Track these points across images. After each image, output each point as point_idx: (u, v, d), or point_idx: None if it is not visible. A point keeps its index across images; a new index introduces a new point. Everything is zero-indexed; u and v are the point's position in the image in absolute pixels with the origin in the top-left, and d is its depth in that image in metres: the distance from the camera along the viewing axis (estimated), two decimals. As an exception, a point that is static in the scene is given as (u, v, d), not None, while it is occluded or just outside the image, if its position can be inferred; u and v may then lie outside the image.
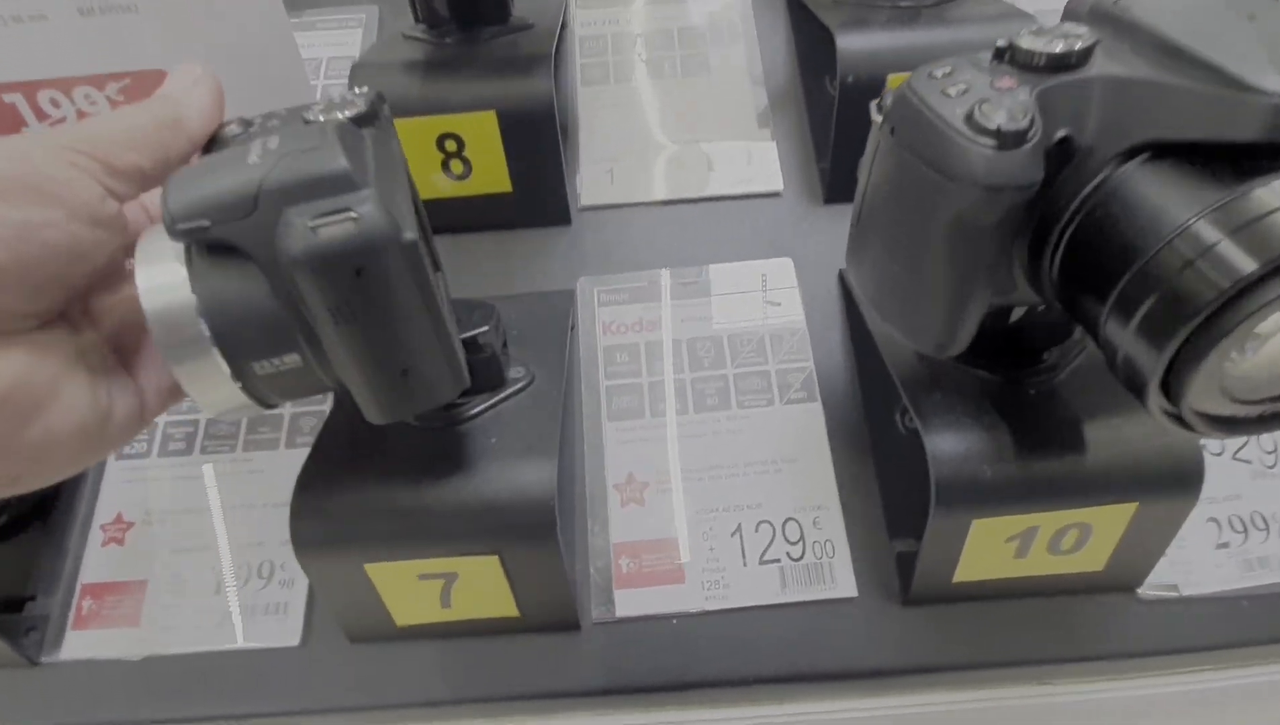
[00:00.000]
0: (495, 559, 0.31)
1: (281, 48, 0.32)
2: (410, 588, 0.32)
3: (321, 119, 0.23)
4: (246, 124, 0.25)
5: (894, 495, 0.37)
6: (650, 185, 0.46)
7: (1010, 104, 0.23)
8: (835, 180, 0.44)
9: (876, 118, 0.27)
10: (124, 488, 0.39)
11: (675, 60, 0.50)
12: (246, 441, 0.40)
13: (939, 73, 0.25)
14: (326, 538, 0.30)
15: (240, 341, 0.22)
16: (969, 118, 0.23)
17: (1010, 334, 0.33)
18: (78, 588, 0.37)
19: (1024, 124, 0.22)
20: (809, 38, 0.49)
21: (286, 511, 0.38)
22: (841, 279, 0.42)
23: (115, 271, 0.24)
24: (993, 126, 0.22)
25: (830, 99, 0.48)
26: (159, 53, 0.32)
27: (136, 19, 0.31)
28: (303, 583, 0.36)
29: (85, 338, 0.23)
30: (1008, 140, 0.22)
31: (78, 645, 0.36)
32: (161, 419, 0.41)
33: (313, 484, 0.31)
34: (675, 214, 0.45)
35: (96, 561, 0.37)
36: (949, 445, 0.30)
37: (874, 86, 0.40)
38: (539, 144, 0.41)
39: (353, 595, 0.32)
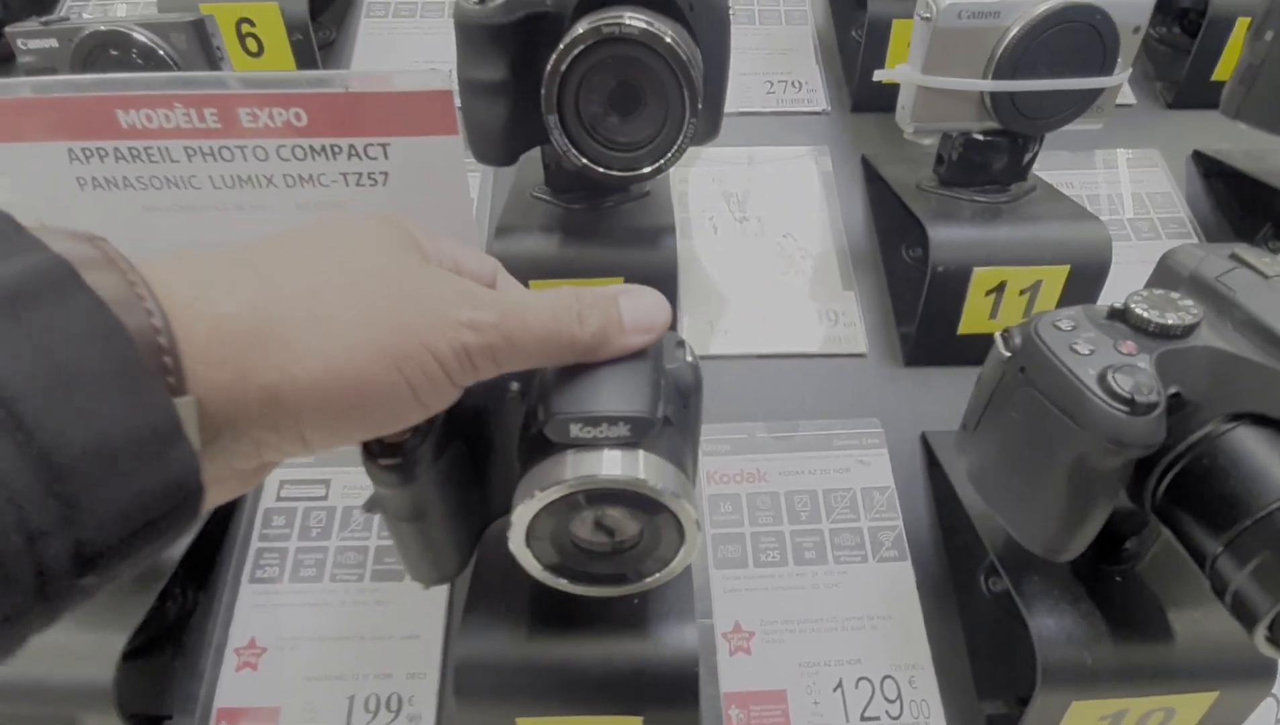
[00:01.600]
0: (638, 721, 0.33)
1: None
2: None
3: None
4: None
5: (981, 656, 0.40)
6: (745, 339, 0.50)
7: (1140, 377, 0.27)
8: (918, 348, 0.48)
9: (1004, 353, 0.31)
10: (256, 612, 0.41)
11: (764, 221, 0.55)
12: (374, 572, 0.42)
13: (1064, 325, 0.30)
14: (486, 691, 0.33)
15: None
16: (1102, 380, 0.27)
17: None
18: (214, 711, 0.39)
19: (1153, 398, 0.26)
20: (886, 210, 0.55)
21: (414, 644, 0.41)
22: (924, 441, 0.46)
23: None
24: (1126, 394, 0.26)
25: (907, 267, 0.53)
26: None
27: (346, 212, 0.35)
28: (431, 717, 0.38)
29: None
30: (1139, 409, 0.26)
31: None
32: (293, 544, 0.43)
33: (472, 636, 0.34)
34: (769, 368, 0.49)
35: (231, 685, 0.39)
36: (1051, 630, 0.34)
37: (962, 274, 0.45)
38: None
39: None
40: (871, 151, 0.58)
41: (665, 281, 0.45)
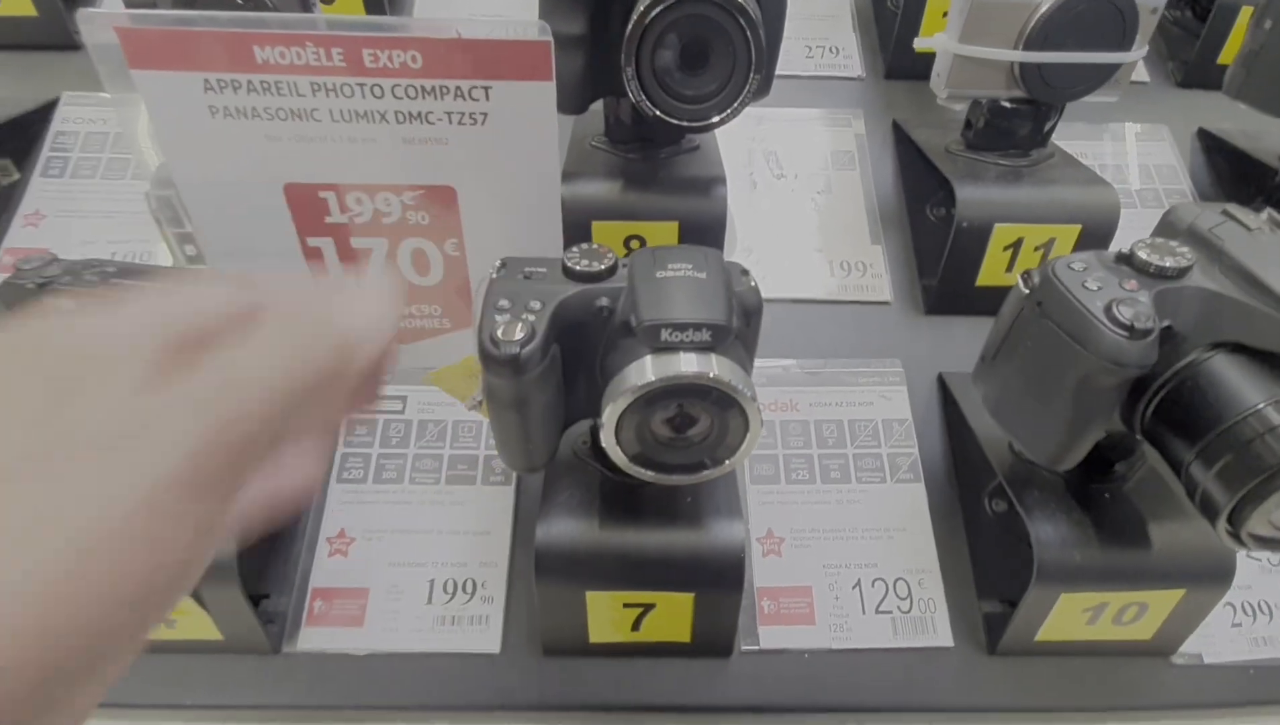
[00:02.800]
0: (691, 598, 0.39)
1: (547, 204, 0.41)
2: (614, 613, 0.40)
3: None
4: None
5: (982, 565, 0.46)
6: (780, 284, 0.55)
7: (1139, 307, 0.32)
8: (939, 297, 0.53)
9: (1024, 290, 0.36)
10: (344, 508, 0.46)
11: (801, 177, 0.59)
12: (448, 476, 0.47)
13: (1077, 266, 0.35)
14: (563, 571, 0.38)
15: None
16: (1107, 311, 0.32)
17: (1094, 448, 0.42)
18: (309, 591, 0.44)
19: (1149, 325, 0.31)
20: (914, 171, 0.59)
21: (486, 539, 0.46)
22: (941, 381, 0.51)
23: None
24: (1126, 322, 0.31)
25: (931, 224, 0.57)
26: (450, 174, 0.40)
27: (443, 149, 0.39)
28: (501, 599, 0.44)
29: None
30: (1137, 334, 0.31)
31: (312, 639, 0.43)
32: (375, 451, 0.48)
33: (552, 525, 0.39)
34: (801, 312, 0.54)
35: (324, 569, 0.45)
36: (1048, 533, 0.39)
37: (984, 229, 0.50)
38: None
39: (565, 616, 0.40)
40: (902, 116, 0.62)
41: (716, 228, 0.49)
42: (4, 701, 0.12)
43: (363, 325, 0.18)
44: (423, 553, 0.45)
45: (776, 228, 0.57)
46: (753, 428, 0.33)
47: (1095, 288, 0.33)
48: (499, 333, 0.31)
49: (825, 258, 0.56)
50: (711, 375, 0.30)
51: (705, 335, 0.31)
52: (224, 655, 0.42)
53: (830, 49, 0.66)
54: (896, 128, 0.62)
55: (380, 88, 0.37)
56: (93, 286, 0.35)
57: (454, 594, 0.44)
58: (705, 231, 0.49)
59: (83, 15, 0.34)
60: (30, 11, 0.62)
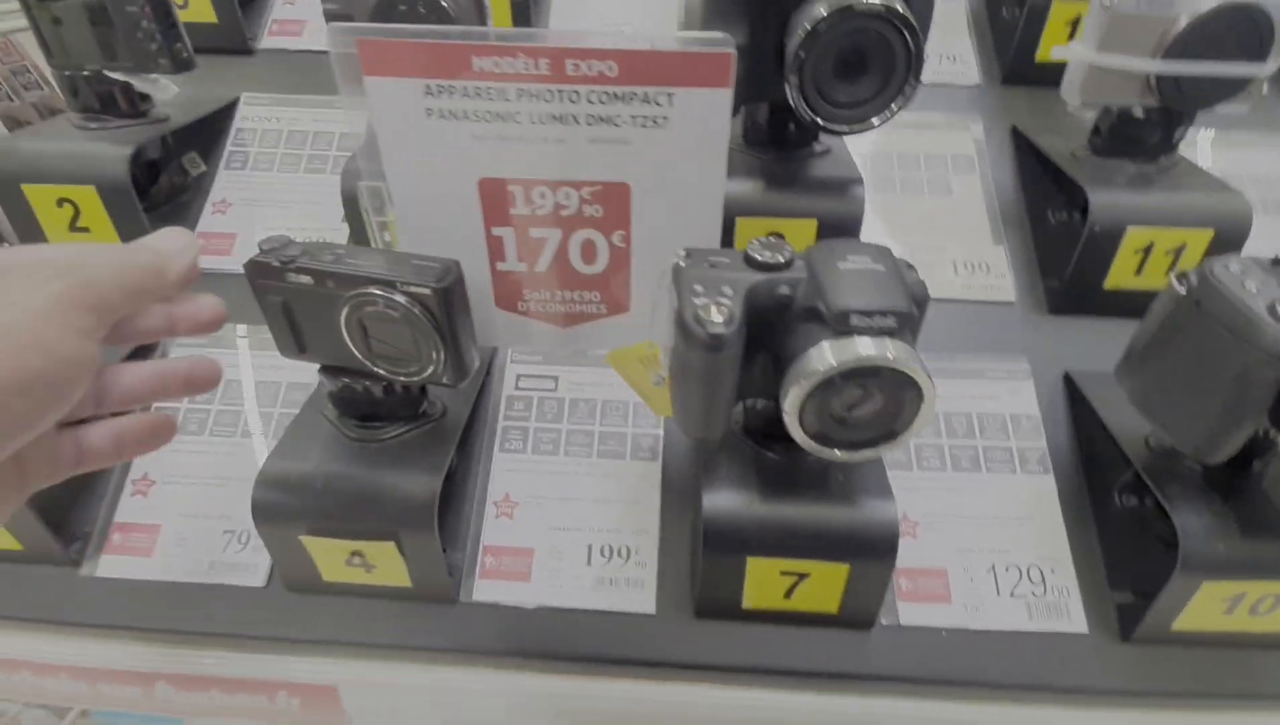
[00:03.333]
0: (846, 568, 0.42)
1: (712, 201, 0.44)
2: (771, 581, 0.43)
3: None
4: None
5: (1113, 556, 0.47)
6: (905, 282, 0.57)
7: None
8: (1065, 298, 0.55)
9: (1180, 291, 0.38)
10: (508, 475, 0.51)
11: (922, 181, 0.62)
12: (599, 451, 0.51)
13: (1234, 269, 0.37)
14: (729, 538, 0.42)
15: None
16: (1271, 310, 0.34)
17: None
18: (481, 547, 0.48)
19: None
20: (1034, 176, 0.61)
21: (636, 507, 0.50)
22: (1068, 379, 0.53)
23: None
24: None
25: (1054, 227, 0.59)
26: (627, 172, 0.44)
27: (624, 149, 0.43)
28: (654, 565, 0.48)
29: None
30: None
31: (484, 590, 0.47)
32: (532, 425, 0.52)
33: (717, 495, 0.42)
34: (929, 310, 0.56)
35: (493, 529, 0.49)
36: (1191, 522, 0.41)
37: (1116, 232, 0.52)
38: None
39: (724, 581, 0.44)
40: (1019, 122, 0.64)
41: (853, 227, 0.52)
42: None
43: (169, 248, 0.29)
44: (580, 519, 0.49)
45: (901, 228, 0.59)
46: (926, 406, 0.35)
47: (1255, 290, 0.35)
48: (702, 313, 0.35)
49: (948, 258, 0.58)
50: (895, 358, 0.33)
51: (890, 321, 0.34)
52: (410, 602, 0.47)
53: (948, 56, 0.68)
54: (1016, 134, 0.64)
55: (577, 93, 0.41)
56: (329, 263, 0.40)
57: (610, 558, 0.48)
58: (843, 230, 0.52)
59: (332, 28, 0.39)
60: (211, 18, 0.68)
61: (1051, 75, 0.54)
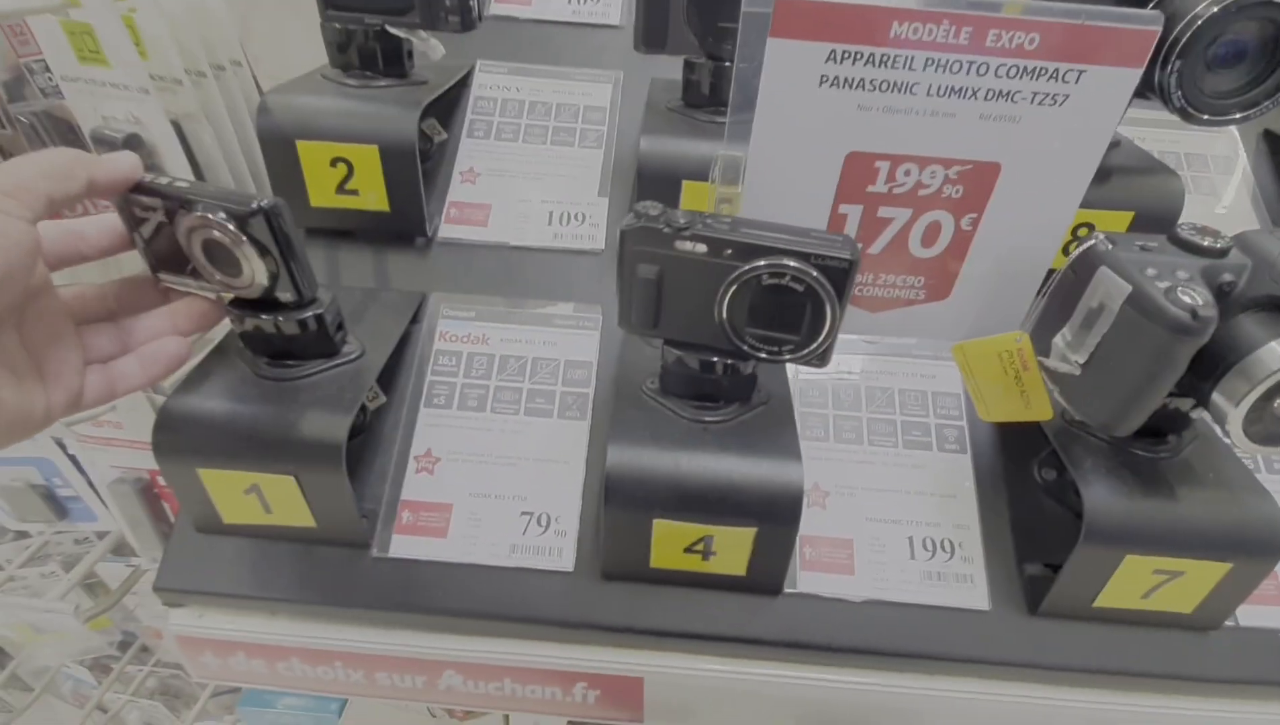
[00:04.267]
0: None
1: (1077, 184, 0.42)
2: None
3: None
4: None
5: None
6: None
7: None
8: None
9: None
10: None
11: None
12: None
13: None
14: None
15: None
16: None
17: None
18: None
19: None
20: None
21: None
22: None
23: (36, 285, 0.34)
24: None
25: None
26: (1002, 151, 0.42)
27: (1011, 127, 0.41)
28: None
29: (8, 344, 0.32)
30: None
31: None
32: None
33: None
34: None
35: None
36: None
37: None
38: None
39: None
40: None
41: (1172, 219, 0.51)
42: None
43: (100, 157, 0.34)
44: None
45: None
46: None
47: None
48: (1183, 296, 0.33)
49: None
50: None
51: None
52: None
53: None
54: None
55: (986, 65, 0.39)
56: (718, 231, 0.38)
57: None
58: (1161, 223, 0.51)
59: (758, -15, 0.37)
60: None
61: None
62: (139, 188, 0.37)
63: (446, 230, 0.57)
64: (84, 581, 0.73)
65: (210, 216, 0.37)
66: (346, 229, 0.56)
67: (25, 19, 0.53)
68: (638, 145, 0.56)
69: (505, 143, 0.60)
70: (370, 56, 0.54)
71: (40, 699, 0.89)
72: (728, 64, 0.53)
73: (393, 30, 0.53)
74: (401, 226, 0.55)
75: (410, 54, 0.56)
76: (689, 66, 0.55)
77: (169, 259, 0.40)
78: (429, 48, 0.53)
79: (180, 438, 0.42)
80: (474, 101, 0.62)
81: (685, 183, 0.52)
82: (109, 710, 0.89)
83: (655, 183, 0.52)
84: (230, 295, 0.41)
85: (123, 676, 0.88)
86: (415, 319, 0.52)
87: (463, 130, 0.61)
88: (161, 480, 0.65)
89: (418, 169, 0.52)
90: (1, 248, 0.29)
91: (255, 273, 0.40)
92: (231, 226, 0.38)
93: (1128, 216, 0.52)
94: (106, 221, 0.38)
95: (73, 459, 0.67)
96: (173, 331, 0.39)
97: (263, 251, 0.39)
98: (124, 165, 0.35)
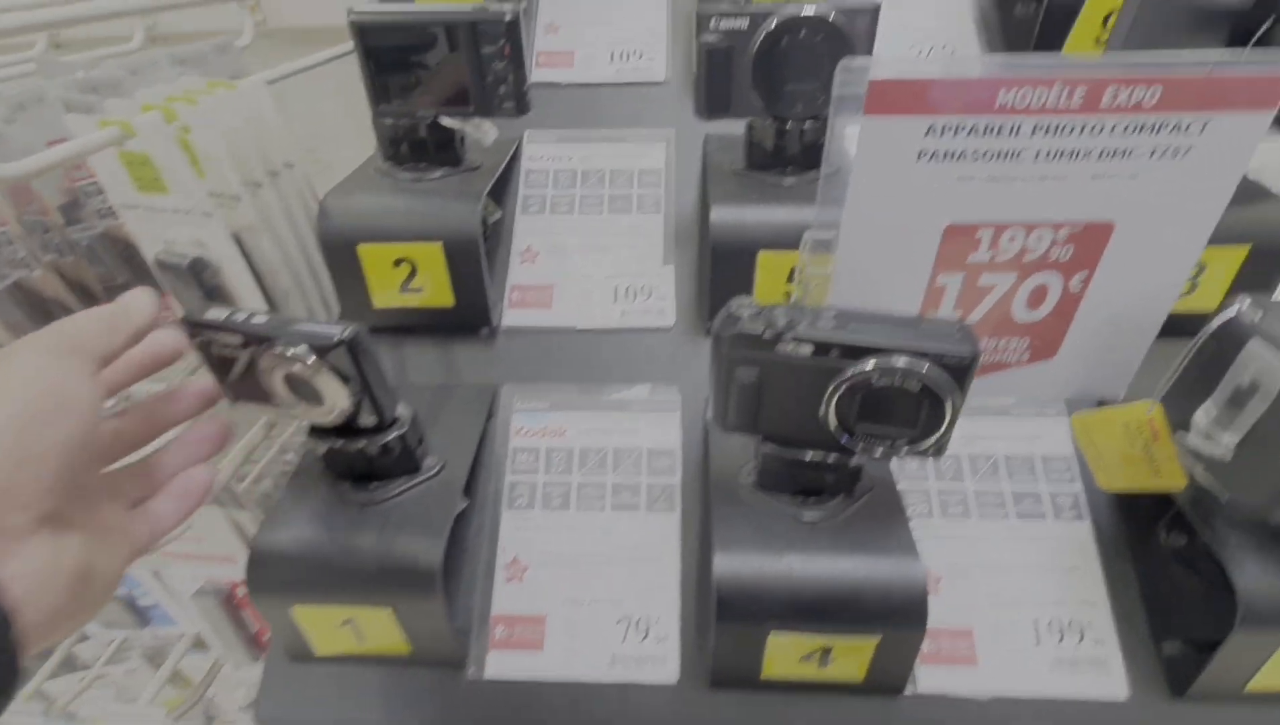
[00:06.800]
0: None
1: (1197, 238, 0.39)
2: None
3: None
4: None
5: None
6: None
7: None
8: None
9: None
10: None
11: None
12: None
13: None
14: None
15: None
16: None
17: None
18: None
19: None
20: None
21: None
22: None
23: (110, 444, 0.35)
24: None
25: None
26: (1116, 210, 0.39)
27: (1126, 184, 0.38)
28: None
29: (79, 510, 0.31)
30: None
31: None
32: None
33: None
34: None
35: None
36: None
37: None
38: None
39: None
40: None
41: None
42: None
43: (128, 299, 0.34)
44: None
45: None
46: None
47: None
48: None
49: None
50: None
51: None
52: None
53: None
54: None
55: (1101, 125, 0.36)
56: (823, 332, 0.36)
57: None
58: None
59: (843, 65, 0.35)
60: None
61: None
62: (216, 326, 0.36)
63: (510, 316, 0.55)
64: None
65: (291, 351, 0.36)
66: (410, 325, 0.55)
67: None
68: (699, 208, 0.54)
69: (561, 216, 0.58)
70: (423, 147, 0.52)
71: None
72: (790, 124, 0.51)
73: (446, 123, 0.51)
74: (467, 318, 0.53)
75: (463, 140, 0.54)
76: (751, 127, 0.53)
77: (248, 390, 0.39)
78: (482, 134, 0.52)
79: (274, 575, 0.41)
80: (525, 175, 0.60)
81: (761, 254, 0.50)
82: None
83: (730, 256, 0.50)
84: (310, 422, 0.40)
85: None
86: (489, 413, 0.51)
87: (517, 205, 0.59)
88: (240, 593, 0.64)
89: (482, 262, 0.50)
90: (76, 412, 0.29)
91: (337, 401, 0.38)
92: (312, 360, 0.36)
93: (1243, 250, 0.48)
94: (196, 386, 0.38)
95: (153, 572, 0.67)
96: (193, 460, 0.37)
97: (345, 380, 0.38)
98: (145, 308, 0.34)
